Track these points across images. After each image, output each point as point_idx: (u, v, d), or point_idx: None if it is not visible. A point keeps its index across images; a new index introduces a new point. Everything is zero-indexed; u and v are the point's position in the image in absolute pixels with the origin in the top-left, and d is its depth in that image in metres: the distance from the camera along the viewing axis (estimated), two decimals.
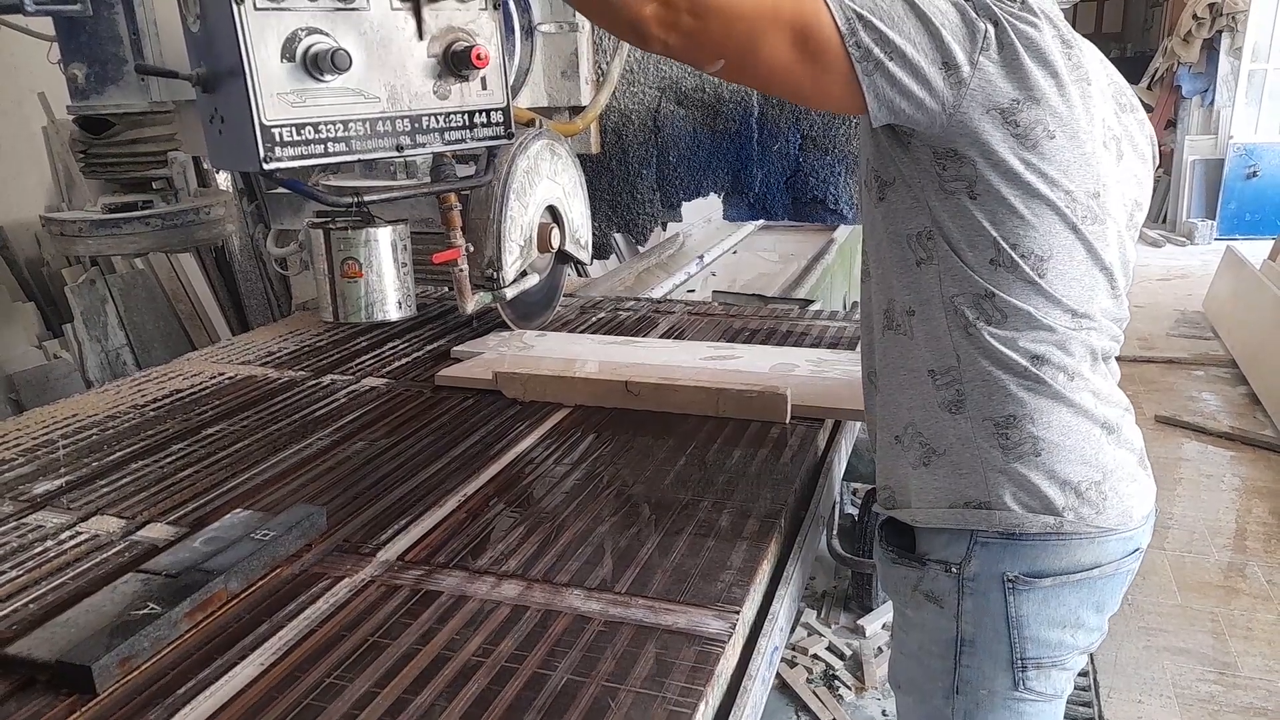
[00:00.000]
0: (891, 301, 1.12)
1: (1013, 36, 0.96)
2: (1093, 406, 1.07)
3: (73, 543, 1.30)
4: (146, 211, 1.69)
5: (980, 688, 1.15)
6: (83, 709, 0.95)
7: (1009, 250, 1.01)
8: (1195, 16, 7.67)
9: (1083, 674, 2.49)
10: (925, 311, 1.08)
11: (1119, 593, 1.15)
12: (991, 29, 0.96)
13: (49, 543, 1.30)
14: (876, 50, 0.94)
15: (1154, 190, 7.76)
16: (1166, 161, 8.42)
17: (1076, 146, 1.00)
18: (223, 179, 2.69)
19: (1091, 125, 1.02)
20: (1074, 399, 1.05)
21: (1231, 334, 5.09)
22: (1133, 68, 9.73)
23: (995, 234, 1.01)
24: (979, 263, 1.03)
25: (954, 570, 1.11)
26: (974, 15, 0.97)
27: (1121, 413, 1.12)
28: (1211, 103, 7.91)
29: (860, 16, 0.94)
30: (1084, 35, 1.07)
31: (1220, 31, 7.67)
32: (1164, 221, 8.31)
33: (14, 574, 1.22)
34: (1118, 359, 1.14)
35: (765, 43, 0.95)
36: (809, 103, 1.06)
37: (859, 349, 1.31)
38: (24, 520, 1.38)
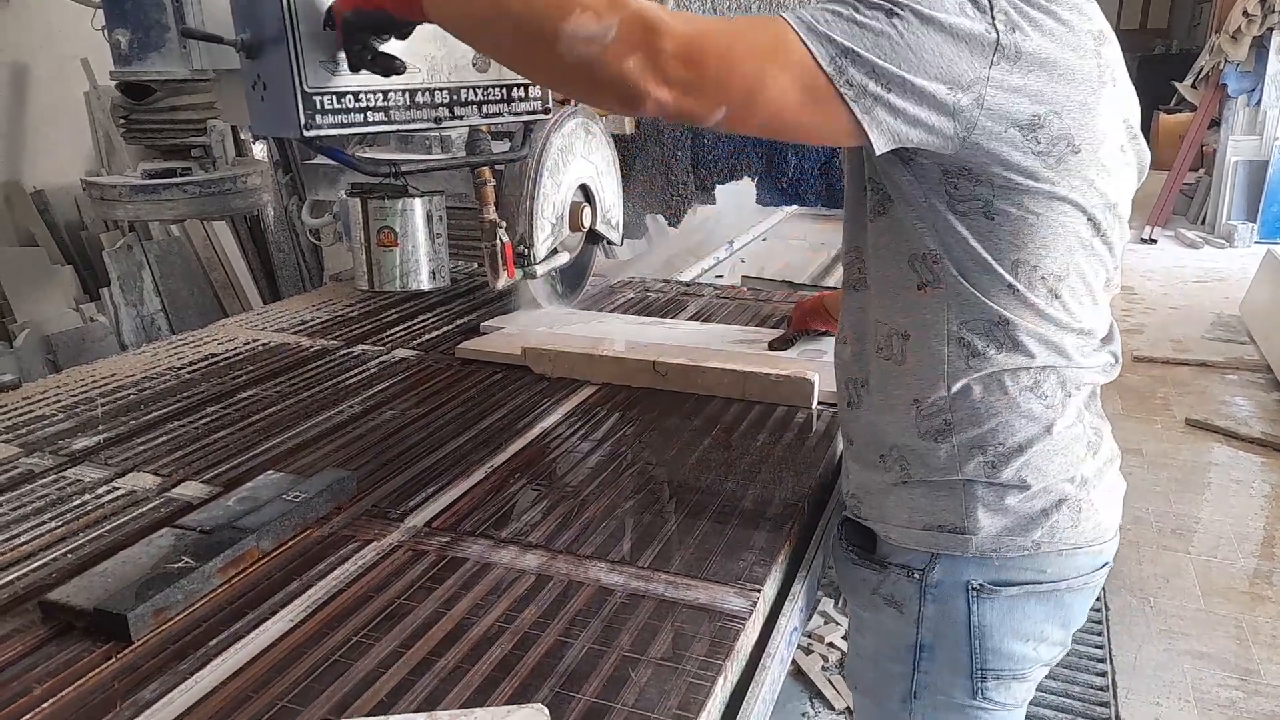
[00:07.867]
0: (881, 323, 1.05)
1: (1033, 42, 0.87)
2: (1080, 426, 1.04)
3: (110, 497, 1.34)
4: (185, 178, 1.71)
5: (938, 693, 1.12)
6: (118, 655, 0.97)
7: (1028, 273, 0.95)
8: (1246, 13, 7.46)
9: (1100, 674, 2.47)
10: (922, 338, 1.01)
11: (1085, 607, 1.12)
12: (1008, 34, 0.86)
13: (86, 496, 1.34)
14: (871, 85, 0.85)
15: (1194, 191, 7.45)
16: (1208, 162, 8.24)
17: (1099, 159, 0.93)
18: (259, 149, 2.71)
19: (1112, 131, 0.95)
20: (1064, 421, 1.02)
21: (1268, 339, 4.98)
22: (1177, 65, 9.51)
23: (1013, 257, 0.94)
24: (994, 287, 0.96)
25: (916, 576, 1.08)
26: (986, 21, 0.86)
27: (1105, 424, 1.10)
28: (1258, 103, 7.71)
29: (847, 51, 0.84)
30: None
31: (1271, 29, 7.46)
32: (1203, 223, 8.14)
33: (53, 525, 1.25)
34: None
35: (770, 85, 0.84)
36: (817, 142, 0.96)
37: (836, 353, 1.18)
38: (63, 474, 1.41)
